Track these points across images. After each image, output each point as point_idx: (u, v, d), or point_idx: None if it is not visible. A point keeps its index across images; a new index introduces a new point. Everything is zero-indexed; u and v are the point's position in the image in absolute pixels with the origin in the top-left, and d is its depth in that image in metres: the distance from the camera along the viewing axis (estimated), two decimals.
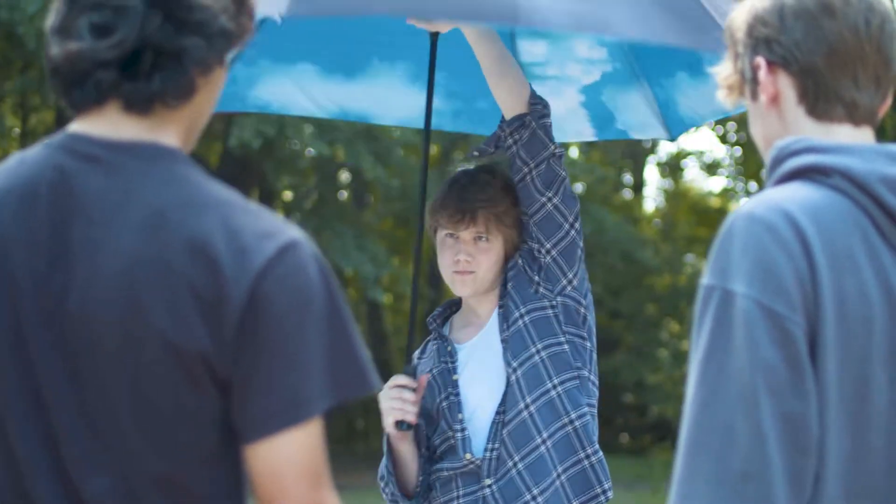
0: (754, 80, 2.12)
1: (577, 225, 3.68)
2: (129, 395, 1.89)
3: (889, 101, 2.12)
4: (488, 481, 3.66)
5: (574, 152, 24.26)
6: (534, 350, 3.65)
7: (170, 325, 1.87)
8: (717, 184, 35.78)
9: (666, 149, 28.81)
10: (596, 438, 3.72)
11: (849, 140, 2.06)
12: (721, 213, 29.29)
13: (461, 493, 3.70)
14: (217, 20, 1.96)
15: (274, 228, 1.94)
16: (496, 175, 3.76)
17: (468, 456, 3.68)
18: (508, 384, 3.65)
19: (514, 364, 3.64)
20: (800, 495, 1.89)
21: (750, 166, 27.50)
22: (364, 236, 18.60)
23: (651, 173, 34.28)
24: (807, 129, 2.08)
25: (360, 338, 1.98)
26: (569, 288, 3.70)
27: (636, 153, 27.69)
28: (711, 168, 28.63)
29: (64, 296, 1.90)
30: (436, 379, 3.76)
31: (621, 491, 19.77)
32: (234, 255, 1.89)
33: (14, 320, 1.92)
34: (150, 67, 1.93)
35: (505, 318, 3.69)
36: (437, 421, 3.78)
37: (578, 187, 21.80)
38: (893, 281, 1.97)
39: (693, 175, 30.61)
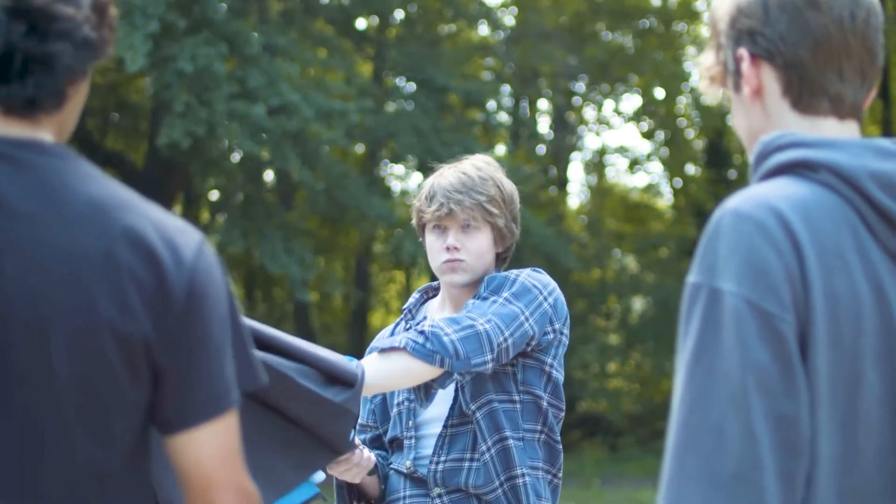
0: (737, 73, 2.08)
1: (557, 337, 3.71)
2: (68, 385, 1.92)
3: (873, 94, 2.09)
4: (437, 490, 3.67)
5: (500, 149, 24.34)
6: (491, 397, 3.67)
7: (116, 314, 1.94)
8: (641, 180, 35.99)
9: (590, 145, 28.98)
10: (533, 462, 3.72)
11: (834, 134, 2.03)
12: (645, 208, 29.53)
13: (407, 493, 3.72)
14: (80, 29, 2.00)
15: (182, 224, 2.06)
16: (480, 167, 3.74)
17: (408, 464, 3.71)
18: (455, 398, 3.67)
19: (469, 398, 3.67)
20: (792, 496, 1.86)
21: (674, 161, 27.72)
22: (291, 238, 18.55)
23: (575, 170, 34.50)
24: (791, 123, 2.05)
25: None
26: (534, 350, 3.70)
27: (560, 150, 27.77)
28: (634, 164, 28.79)
29: None
30: None
31: None
32: (168, 249, 1.98)
33: None
34: (21, 72, 1.96)
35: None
36: (392, 418, 3.80)
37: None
38: (883, 278, 1.94)
39: (617, 171, 30.71)
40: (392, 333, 3.85)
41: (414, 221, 3.81)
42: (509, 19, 25.72)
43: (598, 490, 19.09)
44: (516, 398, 3.66)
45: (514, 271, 3.69)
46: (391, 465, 3.78)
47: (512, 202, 3.75)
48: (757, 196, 1.93)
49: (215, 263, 2.05)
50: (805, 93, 2.03)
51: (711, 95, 2.17)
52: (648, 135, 27.70)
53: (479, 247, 3.69)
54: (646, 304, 26.69)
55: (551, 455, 3.71)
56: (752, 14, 2.05)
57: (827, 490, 1.90)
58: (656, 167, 29.30)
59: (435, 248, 3.72)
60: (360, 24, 23.22)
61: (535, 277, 3.67)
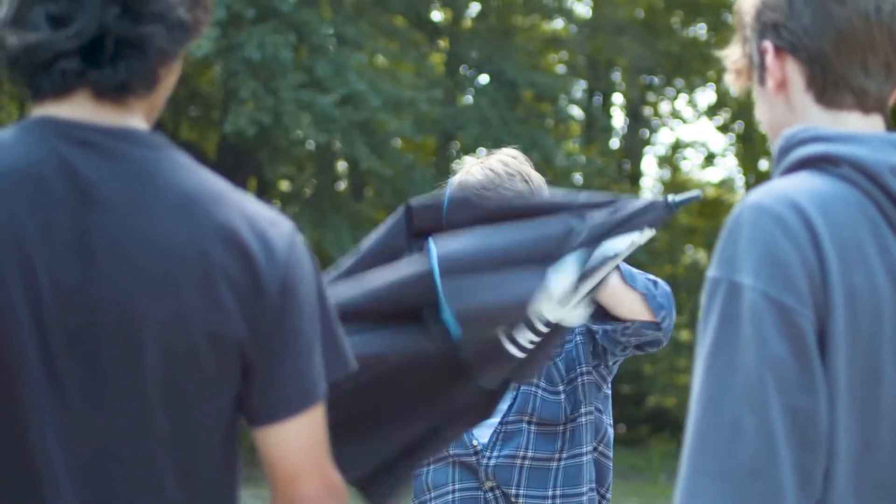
0: (762, 66, 2.08)
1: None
2: (160, 382, 1.91)
3: None
4: (489, 483, 3.64)
5: (574, 143, 24.28)
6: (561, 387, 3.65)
7: (209, 315, 1.92)
8: (715, 174, 35.81)
9: (664, 140, 28.85)
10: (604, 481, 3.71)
11: (858, 128, 2.01)
12: (719, 203, 29.32)
13: (457, 486, 3.67)
14: (174, 11, 1.97)
15: (275, 215, 2.03)
16: (507, 162, 3.68)
17: (475, 443, 3.65)
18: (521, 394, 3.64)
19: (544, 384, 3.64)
20: (809, 491, 1.85)
21: (749, 157, 27.52)
22: (360, 227, 18.60)
23: (649, 164, 34.33)
24: (815, 117, 2.03)
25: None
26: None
27: (633, 144, 27.67)
28: (709, 159, 28.64)
29: (87, 284, 1.89)
30: None
31: (619, 482, 19.79)
32: (261, 244, 1.96)
33: (35, 309, 1.88)
34: (113, 56, 1.93)
35: None
36: None
37: (577, 178, 21.78)
38: None
39: (691, 166, 30.57)
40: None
41: None
42: (585, 11, 25.66)
43: (664, 485, 19.02)
44: (592, 410, 3.68)
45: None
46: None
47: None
48: (777, 190, 1.92)
49: (306, 255, 2.02)
50: (829, 86, 2.02)
51: (738, 88, 2.16)
52: (723, 129, 27.53)
53: None
54: None
55: (602, 474, 3.72)
56: (777, 7, 2.04)
57: (845, 484, 1.89)
58: (730, 162, 29.12)
59: None
60: (435, 16, 23.24)
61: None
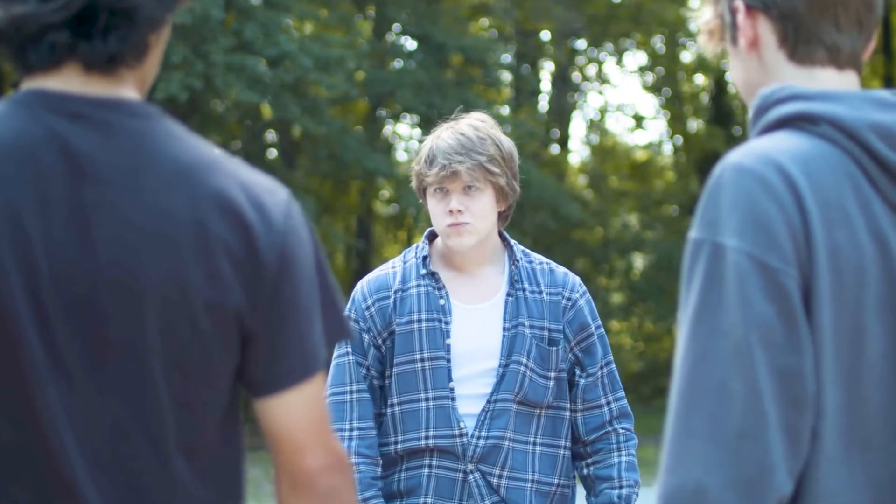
0: (733, 25, 2.07)
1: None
2: (159, 355, 1.89)
3: (873, 45, 2.06)
4: (471, 466, 3.62)
5: (505, 110, 24.29)
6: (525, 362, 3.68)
7: (208, 285, 1.90)
8: (643, 137, 35.96)
9: (592, 103, 28.92)
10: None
11: (833, 84, 2.01)
12: (649, 165, 29.48)
13: (435, 468, 3.66)
14: None
15: (271, 182, 2.02)
16: (476, 126, 3.70)
17: (461, 426, 3.63)
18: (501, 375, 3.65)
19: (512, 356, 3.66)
20: (797, 452, 1.84)
21: (677, 119, 27.67)
22: (295, 194, 18.55)
23: (578, 128, 34.42)
24: (788, 75, 2.03)
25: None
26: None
27: (562, 108, 27.72)
28: (638, 121, 28.76)
29: (84, 256, 1.87)
30: (421, 334, 3.67)
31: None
32: (257, 213, 1.94)
33: (32, 283, 1.86)
34: (104, 27, 1.89)
35: (513, 312, 3.69)
36: (412, 381, 3.68)
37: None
38: (885, 230, 1.92)
39: (619, 129, 30.73)
40: (390, 280, 3.76)
41: (414, 184, 3.75)
42: None
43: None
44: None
45: (580, 289, 3.79)
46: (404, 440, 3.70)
47: (511, 159, 3.71)
48: (758, 150, 1.91)
49: (303, 222, 2.01)
50: (801, 43, 2.02)
51: (710, 50, 2.15)
52: (652, 89, 27.64)
53: (482, 208, 3.65)
54: (648, 262, 26.69)
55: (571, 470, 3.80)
56: None
57: (833, 443, 1.89)
58: (659, 125, 29.27)
59: (438, 211, 3.67)
60: None
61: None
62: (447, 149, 3.63)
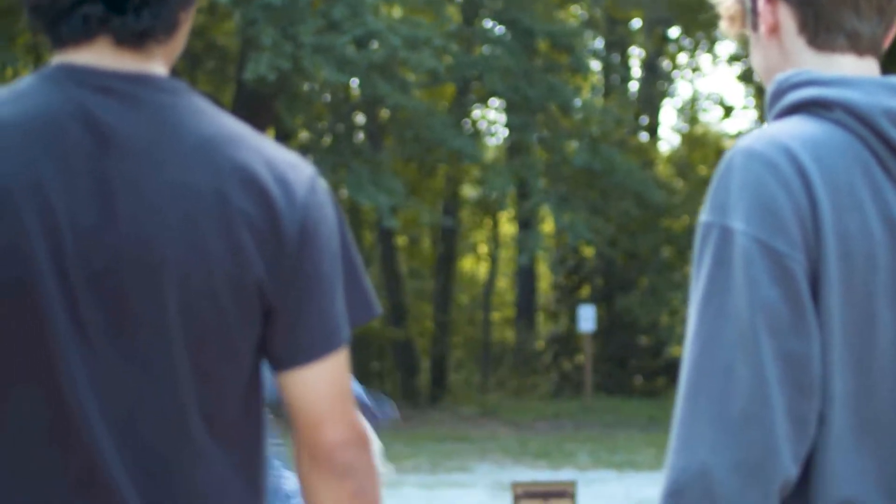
0: (754, 11, 2.08)
1: None
2: (180, 326, 1.91)
3: (894, 32, 2.06)
4: None
5: (592, 96, 24.17)
6: None
7: (229, 258, 1.91)
8: (733, 125, 35.63)
9: (682, 91, 28.71)
10: None
11: (852, 71, 2.01)
12: None
13: None
14: None
15: (295, 158, 2.02)
16: None
17: None
18: None
19: None
20: (803, 436, 1.85)
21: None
22: (380, 173, 18.60)
23: (668, 116, 34.18)
24: (808, 61, 2.03)
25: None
26: None
27: (651, 96, 27.57)
28: (728, 111, 28.54)
29: (107, 227, 1.89)
30: None
31: (636, 432, 19.80)
32: (280, 187, 1.95)
33: (56, 254, 1.88)
34: (138, 3, 1.92)
35: None
36: None
37: (595, 130, 21.74)
38: None
39: (710, 118, 30.51)
40: None
41: None
42: None
43: None
44: None
45: None
46: None
47: None
48: (769, 135, 1.92)
49: (327, 198, 2.01)
50: (821, 30, 2.02)
51: (731, 35, 2.16)
52: (744, 77, 27.40)
53: None
54: None
55: None
56: None
57: (843, 429, 1.89)
58: (750, 115, 29.00)
59: None
60: None
61: None
62: None
